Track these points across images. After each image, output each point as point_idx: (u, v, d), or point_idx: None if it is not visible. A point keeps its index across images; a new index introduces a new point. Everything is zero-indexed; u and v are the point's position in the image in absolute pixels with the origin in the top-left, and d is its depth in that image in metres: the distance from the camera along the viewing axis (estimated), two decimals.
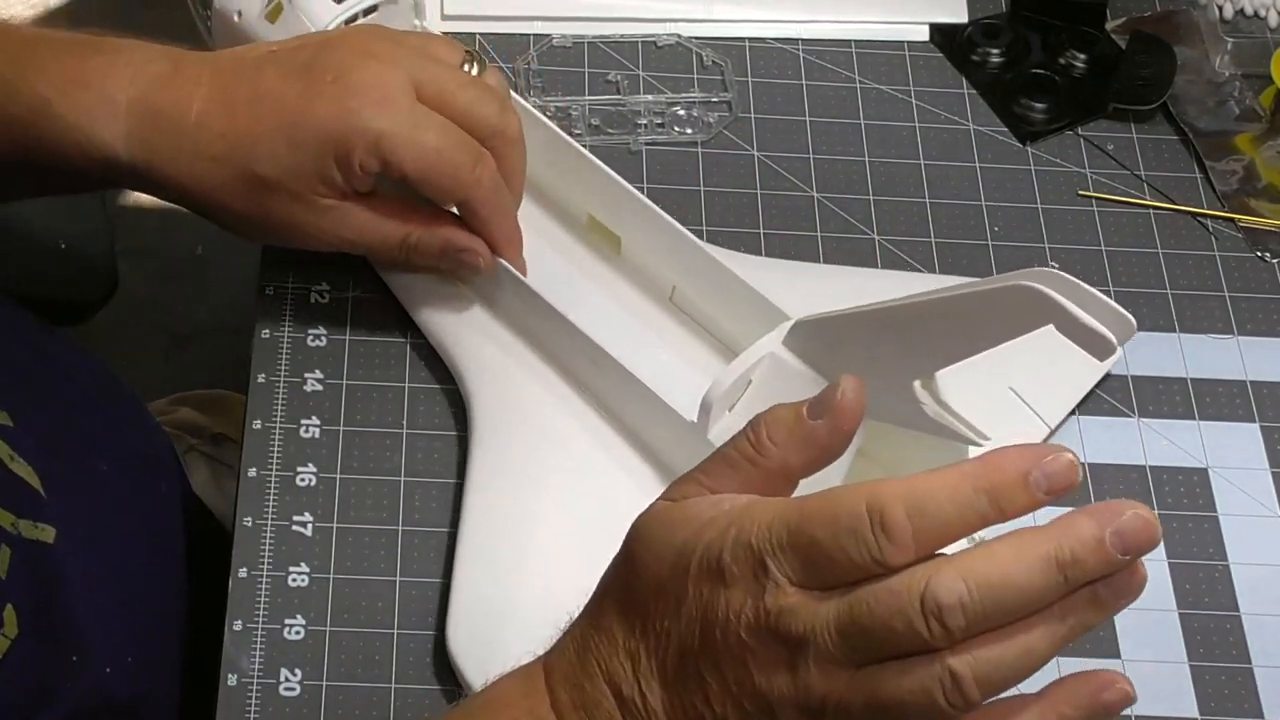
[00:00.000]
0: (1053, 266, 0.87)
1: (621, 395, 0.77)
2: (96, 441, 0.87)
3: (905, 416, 0.68)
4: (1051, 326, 0.58)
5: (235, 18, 0.84)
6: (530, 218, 0.83)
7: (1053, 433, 0.81)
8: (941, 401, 0.68)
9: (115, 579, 0.83)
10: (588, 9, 0.95)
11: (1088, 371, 0.82)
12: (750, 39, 0.96)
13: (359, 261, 0.84)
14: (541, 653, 0.61)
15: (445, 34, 0.89)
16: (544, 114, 0.84)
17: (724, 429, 0.73)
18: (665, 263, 0.81)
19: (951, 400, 0.68)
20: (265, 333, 0.82)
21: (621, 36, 0.95)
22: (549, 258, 0.81)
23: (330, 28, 0.81)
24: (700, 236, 0.87)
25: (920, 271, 0.87)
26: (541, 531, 0.75)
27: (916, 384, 0.67)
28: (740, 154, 0.91)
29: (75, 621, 0.78)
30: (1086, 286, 0.76)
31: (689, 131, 0.91)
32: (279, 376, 0.80)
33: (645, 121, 0.91)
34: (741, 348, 0.75)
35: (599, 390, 0.78)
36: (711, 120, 0.92)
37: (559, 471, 0.77)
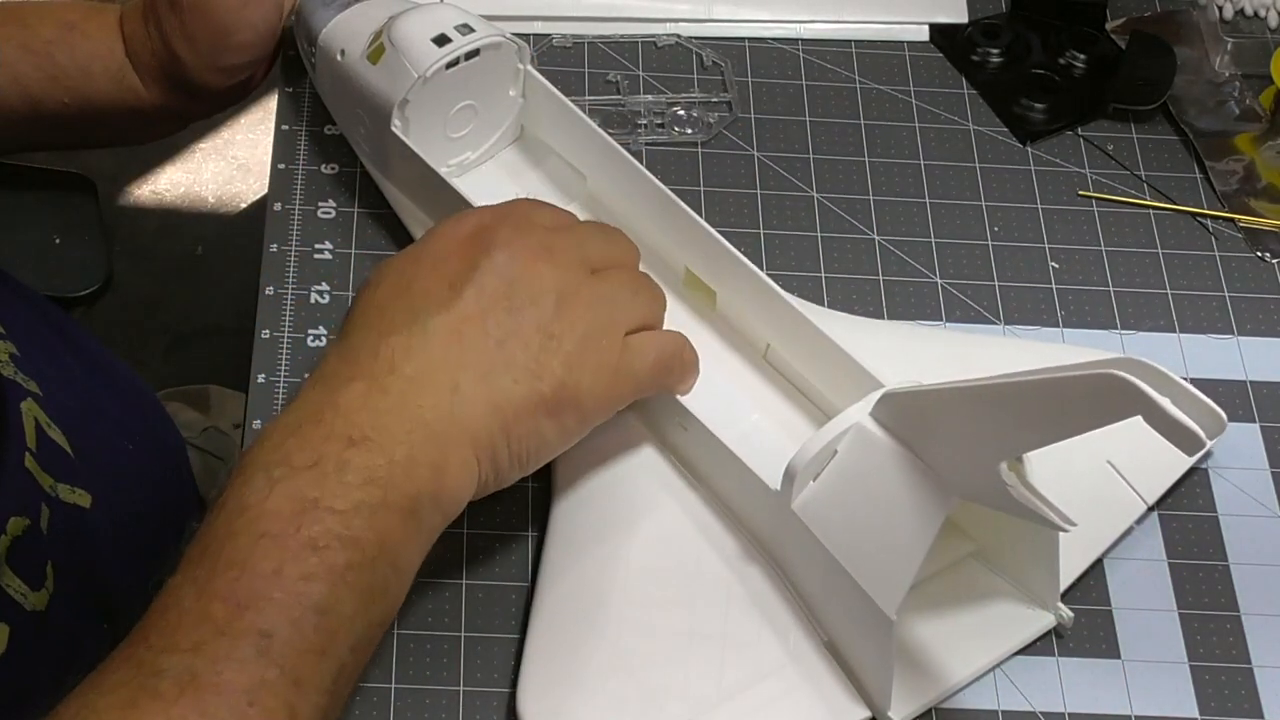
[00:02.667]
0: (1054, 265, 0.88)
1: (709, 460, 0.75)
2: (120, 423, 0.88)
3: (992, 497, 0.66)
4: (1140, 418, 0.57)
5: (338, 56, 0.83)
6: None
7: None
8: (1028, 484, 0.66)
9: (142, 555, 0.84)
10: (588, 9, 0.95)
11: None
12: (750, 39, 0.96)
13: (358, 262, 0.85)
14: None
15: None
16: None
17: (808, 499, 0.70)
18: (760, 320, 0.79)
19: (1038, 483, 0.66)
20: (265, 333, 0.82)
21: (621, 36, 0.95)
22: None
23: (429, 74, 0.79)
24: None
25: (1048, 330, 0.84)
26: (618, 602, 0.73)
27: (1003, 466, 0.65)
28: (740, 154, 0.91)
29: (107, 587, 0.80)
30: (1177, 378, 0.71)
31: (689, 131, 0.91)
32: (279, 376, 0.80)
33: (645, 121, 0.91)
34: (835, 411, 0.73)
35: (687, 455, 0.76)
36: (711, 120, 0.92)
37: (641, 541, 0.75)
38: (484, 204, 0.77)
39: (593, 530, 0.75)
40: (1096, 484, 0.78)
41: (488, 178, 0.86)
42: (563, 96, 0.84)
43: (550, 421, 0.69)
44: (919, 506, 0.67)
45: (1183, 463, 0.80)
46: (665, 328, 0.75)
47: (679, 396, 0.75)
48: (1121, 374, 0.57)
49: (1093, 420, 0.60)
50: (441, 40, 0.80)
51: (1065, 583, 0.75)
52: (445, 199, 0.81)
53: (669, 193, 0.80)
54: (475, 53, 0.81)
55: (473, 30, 0.81)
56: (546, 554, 0.74)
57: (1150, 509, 0.79)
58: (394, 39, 0.80)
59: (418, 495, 0.64)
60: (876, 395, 0.69)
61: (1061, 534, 0.68)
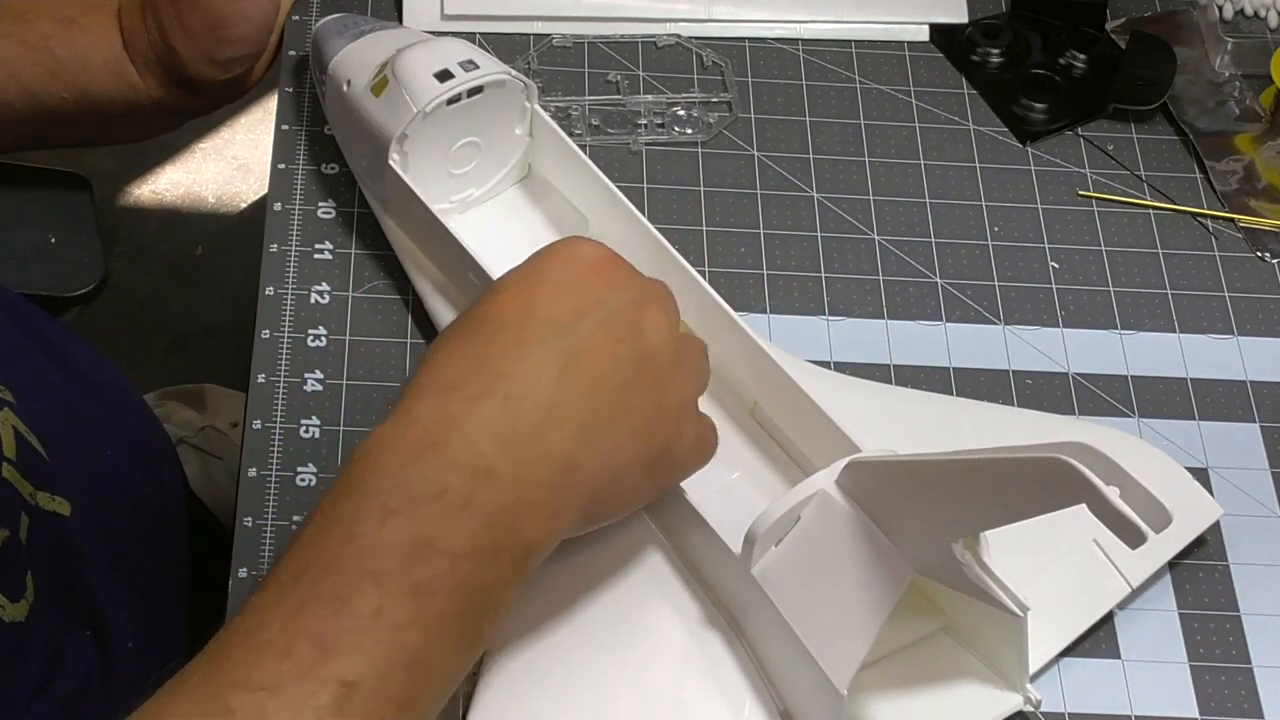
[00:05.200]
0: (1054, 265, 0.88)
1: (677, 518, 0.73)
2: (100, 428, 0.88)
3: (947, 575, 0.65)
4: (1084, 506, 0.55)
5: (344, 86, 0.82)
6: None
7: None
8: (983, 564, 0.64)
9: (125, 561, 0.84)
10: (588, 9, 0.95)
11: (1183, 529, 0.77)
12: (750, 39, 0.96)
13: (358, 261, 0.85)
14: None
15: (445, 34, 0.89)
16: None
17: (769, 565, 0.68)
18: (747, 376, 0.77)
19: (993, 564, 0.65)
20: (265, 333, 0.82)
21: (621, 36, 0.95)
22: None
23: (429, 109, 0.78)
24: (700, 237, 0.87)
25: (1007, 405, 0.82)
26: (570, 659, 0.71)
27: (958, 544, 0.63)
28: (740, 154, 0.91)
29: (89, 596, 0.80)
30: (1128, 470, 0.65)
31: (689, 131, 0.91)
32: (279, 376, 0.80)
33: (645, 121, 0.91)
34: (815, 471, 0.70)
35: (657, 510, 0.74)
36: (711, 120, 0.92)
37: (601, 596, 0.72)
38: (486, 242, 0.77)
39: (555, 578, 0.72)
40: (1080, 564, 0.76)
41: (491, 215, 0.85)
42: (565, 136, 0.83)
43: (649, 480, 0.67)
44: (876, 579, 0.65)
45: (1172, 546, 0.77)
46: None
47: None
48: (1068, 460, 0.55)
49: (1039, 505, 0.58)
50: (444, 75, 0.79)
51: (1036, 665, 0.73)
52: (439, 236, 0.80)
53: (666, 243, 0.79)
54: (479, 89, 0.80)
55: (477, 66, 0.79)
56: None
57: (1134, 592, 0.76)
58: (397, 72, 0.79)
59: (530, 542, 0.61)
60: (843, 462, 0.67)
61: (1034, 614, 0.66)
